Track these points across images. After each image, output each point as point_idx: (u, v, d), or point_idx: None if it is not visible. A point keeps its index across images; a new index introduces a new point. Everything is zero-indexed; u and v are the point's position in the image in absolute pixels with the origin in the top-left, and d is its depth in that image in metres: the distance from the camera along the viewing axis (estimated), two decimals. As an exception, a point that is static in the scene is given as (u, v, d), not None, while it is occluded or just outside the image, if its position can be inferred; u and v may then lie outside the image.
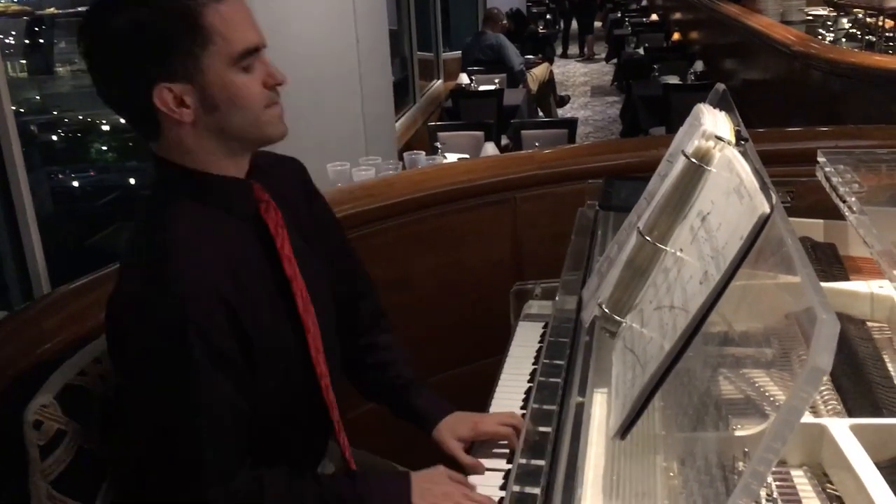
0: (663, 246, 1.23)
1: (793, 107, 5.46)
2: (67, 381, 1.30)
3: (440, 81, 8.76)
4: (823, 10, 7.80)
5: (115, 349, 1.23)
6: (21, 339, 1.45)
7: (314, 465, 1.44)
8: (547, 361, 1.49)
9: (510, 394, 1.60)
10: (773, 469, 1.09)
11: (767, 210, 0.94)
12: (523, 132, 5.48)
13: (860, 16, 6.85)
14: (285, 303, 1.27)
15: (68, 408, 1.28)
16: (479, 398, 1.59)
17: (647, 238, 1.25)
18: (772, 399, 1.11)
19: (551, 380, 1.43)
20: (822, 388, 1.26)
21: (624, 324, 1.27)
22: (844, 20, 7.10)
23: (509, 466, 1.35)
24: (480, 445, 1.46)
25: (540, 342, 1.77)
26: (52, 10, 4.44)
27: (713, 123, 1.23)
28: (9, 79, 2.57)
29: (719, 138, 1.18)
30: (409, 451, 1.78)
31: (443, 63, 8.93)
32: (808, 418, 1.15)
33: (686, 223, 1.19)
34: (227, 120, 1.19)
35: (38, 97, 4.43)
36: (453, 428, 1.45)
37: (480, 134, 5.27)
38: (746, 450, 1.03)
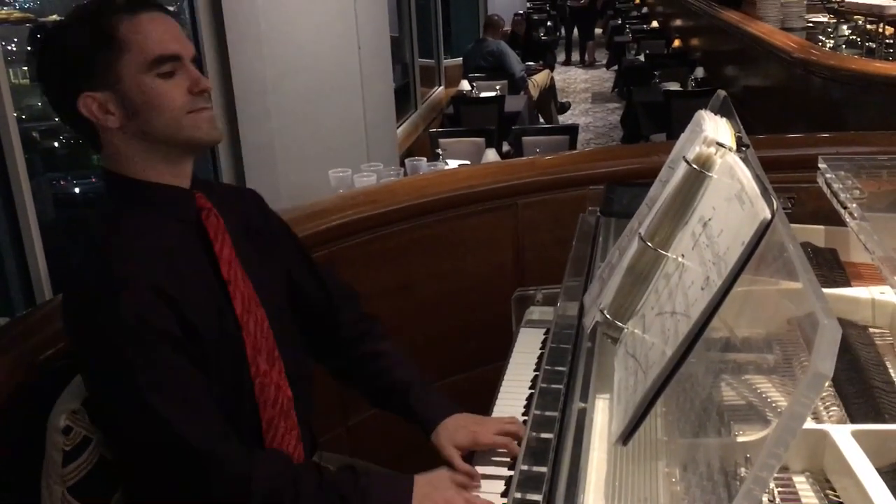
0: (665, 252, 1.23)
1: (794, 113, 5.47)
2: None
3: (441, 88, 8.78)
4: (824, 16, 7.81)
5: (77, 354, 1.27)
6: (23, 344, 1.46)
7: None
8: (549, 367, 1.49)
9: (512, 400, 1.60)
10: (776, 475, 1.09)
11: (769, 216, 0.94)
12: (524, 138, 5.50)
13: (860, 23, 6.86)
14: (228, 305, 1.33)
15: (92, 415, 1.30)
16: (481, 404, 1.59)
17: (649, 244, 1.25)
18: (774, 405, 1.11)
19: (553, 386, 1.43)
20: (824, 393, 1.26)
21: (626, 330, 1.28)
22: (845, 27, 7.11)
23: (510, 473, 1.35)
24: (481, 452, 1.45)
25: (541, 348, 1.77)
26: (54, 16, 4.45)
27: (714, 130, 1.24)
28: (11, 85, 2.58)
29: (720, 144, 1.19)
30: (411, 458, 1.78)
31: (444, 70, 8.95)
32: (810, 424, 1.15)
33: (687, 229, 1.20)
34: (148, 124, 1.27)
35: (39, 104, 4.44)
36: (452, 435, 1.45)
37: (482, 140, 5.28)
38: (748, 455, 1.03)
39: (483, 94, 7.13)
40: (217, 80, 3.53)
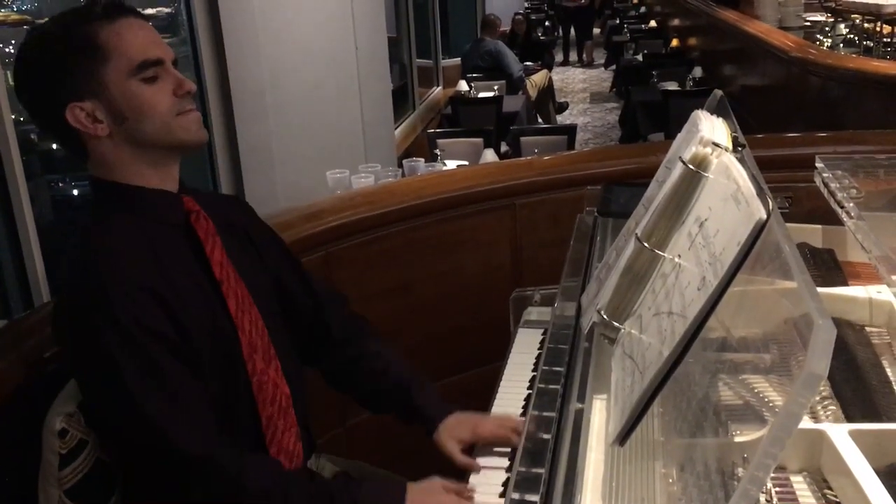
0: (661, 252, 1.23)
1: (791, 112, 5.47)
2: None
3: (439, 88, 8.78)
4: (821, 15, 7.82)
5: (68, 357, 1.28)
6: (20, 347, 1.46)
7: None
8: (546, 368, 1.49)
9: (510, 400, 1.60)
10: (773, 474, 1.09)
11: (764, 216, 0.94)
12: (522, 139, 5.50)
13: (858, 21, 6.87)
14: (221, 305, 1.33)
15: (88, 418, 1.30)
16: (479, 405, 1.59)
17: (646, 244, 1.25)
18: (771, 404, 1.11)
19: (550, 386, 1.43)
20: (822, 393, 1.26)
21: (623, 330, 1.28)
22: (842, 26, 7.12)
23: (508, 475, 1.35)
24: (481, 446, 1.46)
25: (539, 349, 1.77)
26: (52, 18, 4.46)
27: (710, 130, 1.24)
28: (9, 87, 2.58)
29: (716, 144, 1.19)
30: (408, 460, 1.78)
31: (442, 70, 8.95)
32: (807, 424, 1.15)
33: (684, 229, 1.20)
34: (137, 129, 1.28)
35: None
36: (453, 430, 1.47)
37: (480, 141, 5.28)
38: (745, 455, 1.03)
39: (481, 95, 7.13)
40: (214, 81, 3.52)
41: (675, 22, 11.94)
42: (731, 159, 1.14)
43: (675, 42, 10.75)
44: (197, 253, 1.34)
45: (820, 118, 4.88)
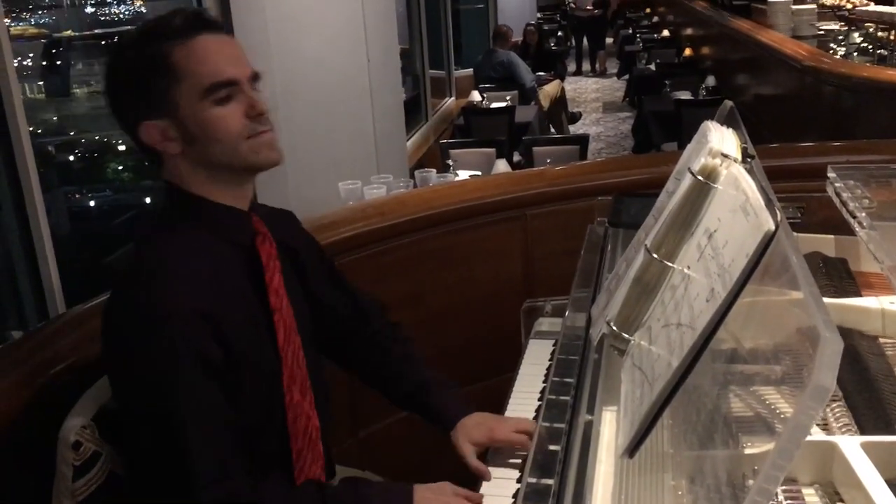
0: (671, 263, 1.23)
1: (805, 122, 5.45)
2: (103, 404, 1.33)
3: (452, 99, 8.80)
4: (835, 24, 7.78)
5: (109, 362, 1.28)
6: (36, 358, 1.47)
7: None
8: (556, 379, 1.49)
9: (521, 412, 1.60)
10: (784, 487, 1.09)
11: (773, 227, 0.94)
12: (535, 149, 5.51)
13: (871, 30, 6.83)
14: (269, 333, 1.33)
15: (103, 430, 1.31)
16: (490, 416, 1.59)
17: (655, 255, 1.25)
18: (782, 416, 1.10)
19: (561, 398, 1.43)
20: (834, 405, 1.25)
21: (632, 341, 1.28)
22: (856, 34, 7.08)
23: (518, 486, 1.35)
24: (495, 454, 1.46)
25: (550, 360, 1.77)
26: (69, 32, 4.50)
27: (720, 141, 1.24)
28: (26, 100, 2.62)
29: (726, 156, 1.19)
30: (420, 473, 1.78)
31: (454, 81, 8.98)
32: (819, 436, 1.15)
33: (693, 241, 1.20)
34: (207, 151, 1.27)
35: (55, 118, 4.49)
36: (469, 432, 1.47)
37: (492, 151, 5.29)
38: (756, 468, 1.03)
39: (493, 105, 7.14)
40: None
41: (688, 31, 11.93)
42: (740, 170, 1.14)
43: (687, 51, 10.74)
44: (255, 277, 1.33)
45: (833, 127, 4.86)
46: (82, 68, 4.64)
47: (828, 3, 8.04)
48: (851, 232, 1.63)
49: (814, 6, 7.71)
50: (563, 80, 10.07)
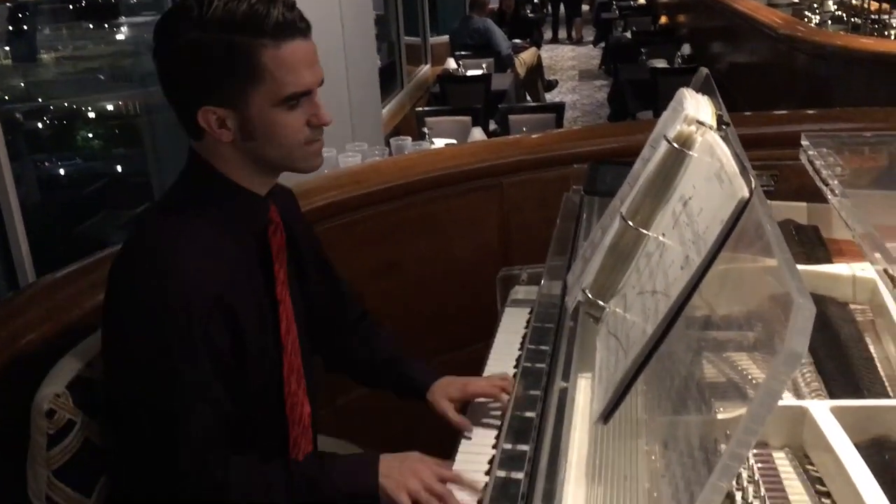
0: (646, 231, 1.24)
1: (779, 90, 5.47)
2: (77, 372, 1.32)
3: (428, 66, 8.72)
4: (810, -8, 7.80)
5: (113, 333, 1.26)
6: (6, 328, 1.45)
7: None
8: (532, 347, 1.50)
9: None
10: (755, 451, 1.10)
11: (747, 194, 0.94)
12: (511, 117, 5.48)
13: (846, -2, 6.86)
14: (271, 322, 1.33)
15: (77, 399, 1.30)
16: (466, 384, 1.59)
17: (630, 223, 1.25)
18: (754, 382, 1.12)
19: (536, 365, 1.44)
20: (804, 370, 1.27)
21: (607, 309, 1.28)
22: (830, 2, 7.10)
23: (494, 452, 1.36)
24: (471, 416, 1.48)
25: (526, 328, 1.77)
26: (35, -4, 4.40)
27: (695, 108, 1.23)
28: (-9, 67, 2.55)
29: (701, 123, 1.19)
30: (397, 440, 1.78)
31: (430, 48, 8.88)
32: (789, 400, 1.16)
33: (668, 208, 1.20)
34: (262, 150, 1.25)
35: (22, 84, 4.39)
36: (445, 389, 1.50)
37: (468, 119, 5.26)
38: (728, 432, 1.04)
39: (469, 73, 7.10)
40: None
41: (665, -1, 11.88)
42: (715, 138, 1.14)
43: (663, 19, 10.72)
44: (263, 264, 1.32)
45: (808, 95, 4.89)
46: (49, 33, 4.54)
47: (803, -29, 8.05)
48: (824, 199, 1.64)
49: (789, -26, 7.71)
50: (539, 47, 10.02)
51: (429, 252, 2.43)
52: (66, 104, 4.43)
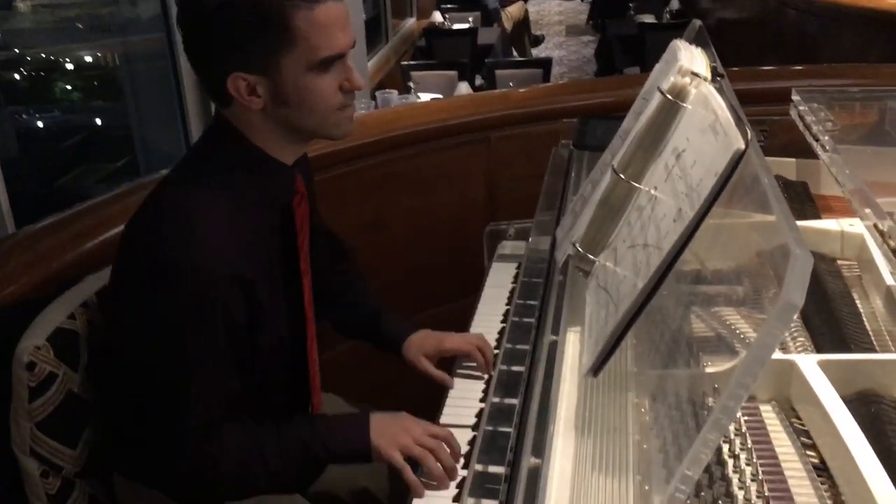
0: (637, 184, 1.22)
1: (768, 46, 5.44)
2: (59, 325, 1.30)
3: (413, 20, 8.58)
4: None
5: (128, 288, 1.24)
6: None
7: None
8: (520, 302, 1.49)
9: (484, 333, 1.60)
10: (742, 404, 1.11)
11: (742, 146, 0.93)
12: (497, 72, 5.43)
13: (837, -46, 6.78)
14: (293, 293, 1.32)
15: (59, 351, 1.28)
16: (453, 339, 1.59)
17: (622, 176, 1.24)
18: (742, 336, 1.12)
19: (524, 320, 1.43)
20: (792, 324, 1.27)
21: (597, 263, 1.27)
22: (821, -42, 7.02)
23: (482, 406, 1.36)
24: (457, 374, 1.49)
25: (513, 282, 1.77)
26: (8, -59, 4.26)
27: (689, 59, 1.22)
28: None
29: (695, 74, 1.17)
30: (381, 393, 1.79)
31: (415, 0, 8.73)
32: (777, 354, 1.17)
33: (661, 161, 1.19)
34: (294, 117, 1.22)
35: (-2, 34, 4.29)
36: (420, 344, 1.51)
37: (454, 73, 5.20)
38: (716, 386, 1.04)
39: (455, 26, 7.01)
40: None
41: (653, -47, 11.72)
42: (709, 89, 1.12)
43: (652, -26, 10.57)
44: (285, 234, 1.30)
45: (796, 53, 4.86)
46: (24, -20, 4.41)
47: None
48: (813, 156, 1.63)
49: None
50: (526, 1, 9.88)
51: (415, 207, 2.42)
52: (43, 55, 4.33)
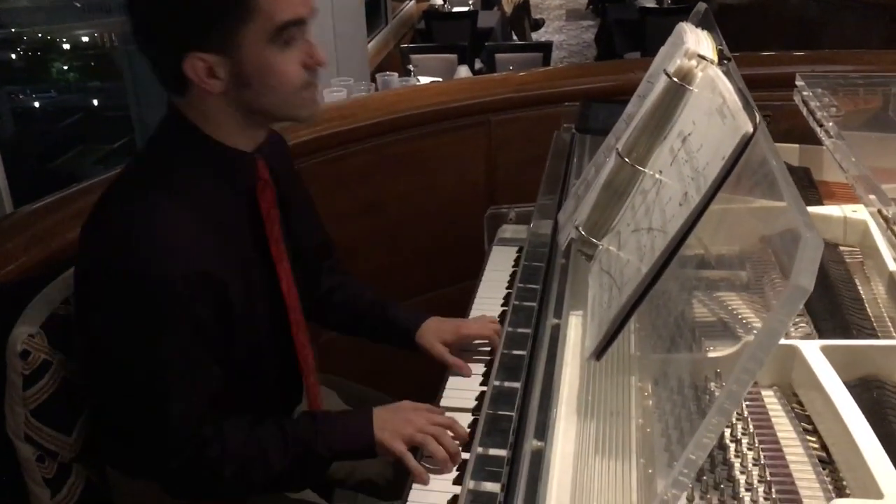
0: (642, 168, 1.22)
1: (769, 33, 5.41)
2: (53, 310, 1.29)
3: (413, 2, 8.53)
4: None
5: (88, 287, 1.22)
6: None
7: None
8: (522, 285, 1.48)
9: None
10: (745, 389, 1.11)
11: (750, 129, 0.92)
12: (497, 55, 5.41)
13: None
14: (265, 279, 1.29)
15: (53, 338, 1.27)
16: (453, 323, 1.59)
17: (626, 159, 1.23)
18: (744, 322, 1.12)
19: (526, 303, 1.43)
20: (795, 309, 1.27)
21: (601, 246, 1.27)
22: (823, -56, 6.99)
23: (484, 389, 1.36)
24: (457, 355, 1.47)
25: (514, 266, 1.76)
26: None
27: (696, 42, 1.20)
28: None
29: (702, 57, 1.16)
30: (381, 376, 1.79)
31: (415, -18, 8.68)
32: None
33: (666, 144, 1.18)
34: (257, 98, 1.18)
35: (-8, 13, 4.25)
36: (437, 332, 1.48)
37: (454, 56, 5.18)
38: (718, 371, 1.04)
39: (455, 9, 6.98)
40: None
41: (654, -63, 11.65)
42: (716, 72, 1.11)
43: (653, -42, 10.51)
44: (254, 223, 1.27)
45: (799, 38, 4.85)
46: (21, -42, 4.38)
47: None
48: (815, 141, 1.63)
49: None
50: (526, -16, 9.83)
51: (415, 190, 2.41)
52: (39, 35, 4.29)
